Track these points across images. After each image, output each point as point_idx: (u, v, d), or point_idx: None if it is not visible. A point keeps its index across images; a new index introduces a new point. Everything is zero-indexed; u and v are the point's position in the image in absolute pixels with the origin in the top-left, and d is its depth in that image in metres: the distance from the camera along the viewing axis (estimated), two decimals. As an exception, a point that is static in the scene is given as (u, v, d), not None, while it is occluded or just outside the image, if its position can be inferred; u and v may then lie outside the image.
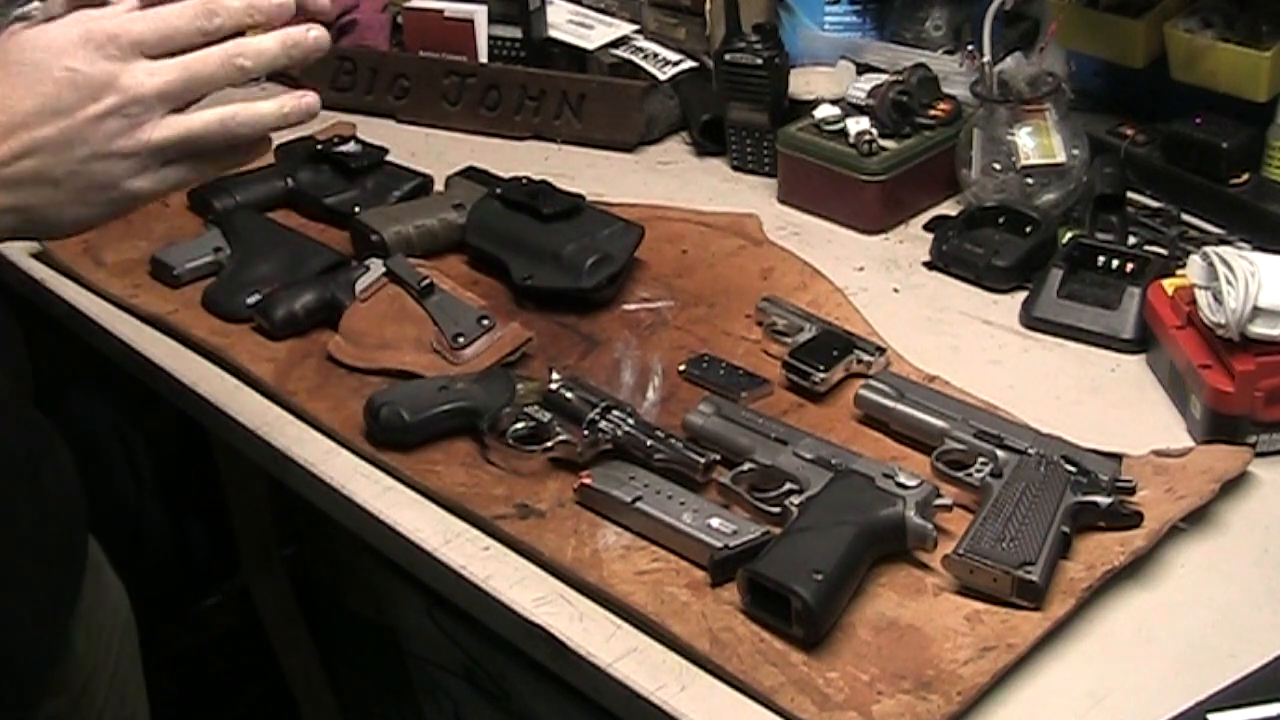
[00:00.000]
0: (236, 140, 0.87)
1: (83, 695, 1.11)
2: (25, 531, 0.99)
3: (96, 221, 0.86)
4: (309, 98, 0.89)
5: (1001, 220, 1.42)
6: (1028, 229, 1.40)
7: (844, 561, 0.97)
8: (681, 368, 1.25)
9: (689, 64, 1.76)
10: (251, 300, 1.34)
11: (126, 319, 1.39)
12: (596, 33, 1.81)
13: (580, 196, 1.45)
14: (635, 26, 1.82)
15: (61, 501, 1.06)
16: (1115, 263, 1.32)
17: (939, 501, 1.03)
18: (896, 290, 1.39)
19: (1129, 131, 1.52)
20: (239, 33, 0.86)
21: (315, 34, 0.88)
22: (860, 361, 1.23)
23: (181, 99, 0.84)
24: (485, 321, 1.28)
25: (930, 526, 1.00)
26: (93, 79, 0.81)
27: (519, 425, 1.15)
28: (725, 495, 1.08)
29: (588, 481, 1.09)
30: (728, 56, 1.60)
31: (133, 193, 0.84)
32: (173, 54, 0.84)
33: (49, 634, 1.05)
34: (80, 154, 0.81)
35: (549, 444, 1.13)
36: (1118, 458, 1.08)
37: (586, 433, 1.12)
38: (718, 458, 1.10)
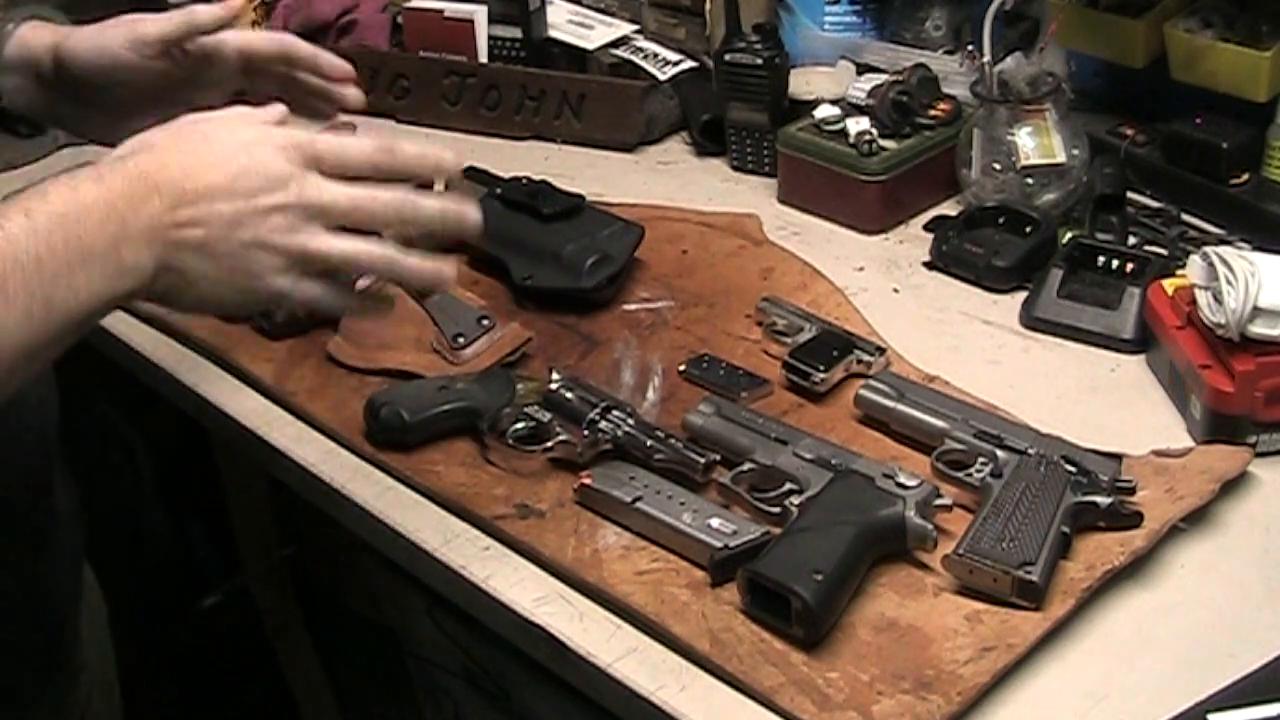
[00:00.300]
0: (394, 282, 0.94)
1: (67, 695, 1.12)
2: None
3: (228, 307, 0.90)
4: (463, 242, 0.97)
5: (1001, 220, 1.42)
6: (1028, 229, 1.40)
7: (844, 561, 0.97)
8: (681, 368, 1.25)
9: (689, 64, 1.76)
10: (251, 300, 1.34)
11: (126, 319, 1.38)
12: (596, 33, 1.81)
13: (580, 196, 1.45)
14: (635, 26, 1.82)
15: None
16: (1115, 263, 1.32)
17: (939, 501, 1.03)
18: (896, 290, 1.39)
19: (1129, 131, 1.52)
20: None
21: (474, 219, 0.93)
22: (860, 361, 1.23)
23: (343, 220, 0.88)
24: (485, 321, 1.28)
25: (930, 526, 1.00)
26: (273, 172, 0.85)
27: (519, 425, 1.15)
28: (725, 495, 1.08)
29: (588, 481, 1.09)
30: (728, 56, 1.60)
31: (272, 289, 0.87)
32: (344, 178, 0.88)
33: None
34: (243, 237, 0.85)
35: (549, 444, 1.13)
36: (1118, 458, 1.08)
37: (586, 433, 1.12)
38: (718, 458, 1.10)
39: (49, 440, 1.04)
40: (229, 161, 0.84)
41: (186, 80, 1.10)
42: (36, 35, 1.09)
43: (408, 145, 0.91)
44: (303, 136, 0.88)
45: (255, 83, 1.12)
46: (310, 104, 1.11)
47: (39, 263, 0.77)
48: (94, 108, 1.11)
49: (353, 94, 1.11)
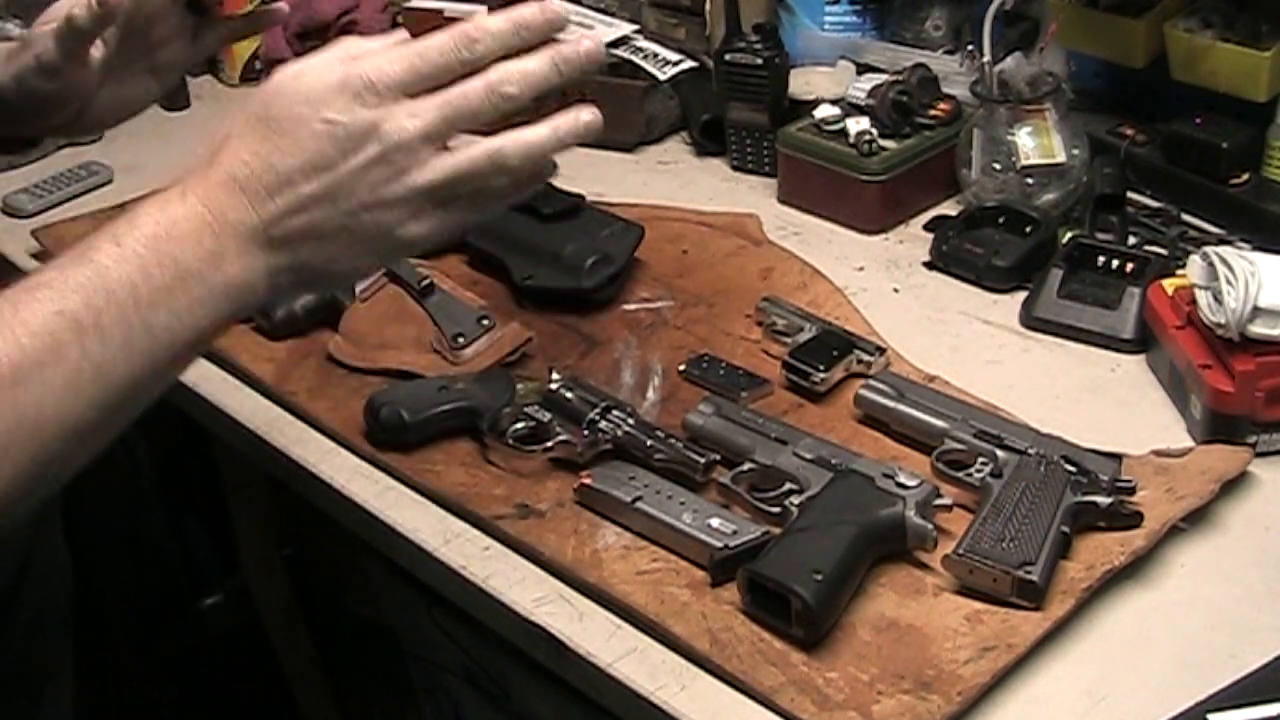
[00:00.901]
0: (510, 172, 0.82)
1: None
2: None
3: (376, 269, 0.83)
4: (587, 115, 0.83)
5: (1001, 220, 1.42)
6: (1028, 229, 1.40)
7: (844, 561, 0.97)
8: (681, 368, 1.25)
9: (689, 64, 1.76)
10: (251, 300, 1.34)
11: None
12: (596, 33, 1.81)
13: (580, 196, 1.45)
14: (635, 26, 1.82)
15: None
16: (1115, 263, 1.32)
17: (939, 501, 1.03)
18: (896, 290, 1.39)
19: (1129, 131, 1.51)
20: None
21: (588, 46, 0.82)
22: (860, 361, 1.23)
23: (447, 137, 0.80)
24: (485, 321, 1.28)
25: (930, 526, 1.00)
26: (352, 130, 0.77)
27: (519, 425, 1.15)
28: (725, 495, 1.08)
29: (588, 481, 1.09)
30: (728, 56, 1.60)
31: (408, 240, 0.81)
32: (435, 89, 0.80)
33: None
34: (348, 206, 0.78)
35: (549, 444, 1.13)
36: (1118, 458, 1.08)
37: (586, 433, 1.12)
38: (718, 458, 1.10)
39: None
40: (302, 136, 0.77)
41: (130, 55, 1.05)
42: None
43: (489, 22, 0.81)
44: (374, 68, 0.79)
45: None
46: None
47: (134, 290, 0.73)
48: (72, 127, 1.08)
49: None
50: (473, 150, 0.80)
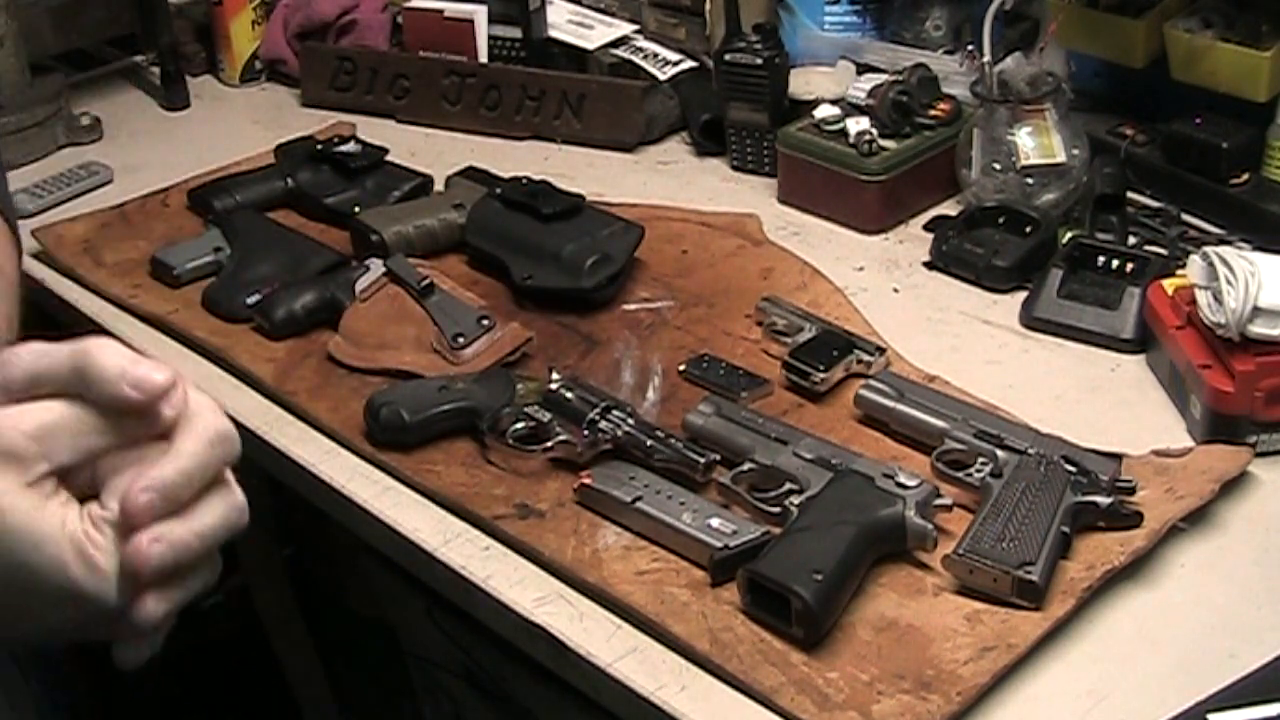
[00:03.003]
0: None
1: None
2: None
3: None
4: None
5: (1001, 220, 1.42)
6: (1028, 229, 1.40)
7: (844, 561, 0.97)
8: (681, 368, 1.25)
9: (689, 64, 1.76)
10: (251, 300, 1.34)
11: (126, 319, 1.39)
12: (596, 33, 1.81)
13: (580, 196, 1.45)
14: (635, 26, 1.82)
15: None
16: (1115, 263, 1.32)
17: (939, 501, 1.03)
18: (896, 290, 1.39)
19: (1129, 131, 1.52)
20: None
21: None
22: (860, 361, 1.23)
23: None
24: (485, 321, 1.28)
25: (930, 526, 1.00)
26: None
27: (519, 425, 1.15)
28: (725, 495, 1.08)
29: (588, 481, 1.09)
30: (728, 56, 1.60)
31: None
32: None
33: None
34: None
35: (549, 444, 1.13)
36: (1118, 458, 1.08)
37: (586, 433, 1.12)
38: (718, 458, 1.10)
39: None
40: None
41: None
42: None
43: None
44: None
45: None
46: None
47: None
48: None
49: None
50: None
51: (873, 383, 1.18)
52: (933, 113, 1.51)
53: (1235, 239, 1.38)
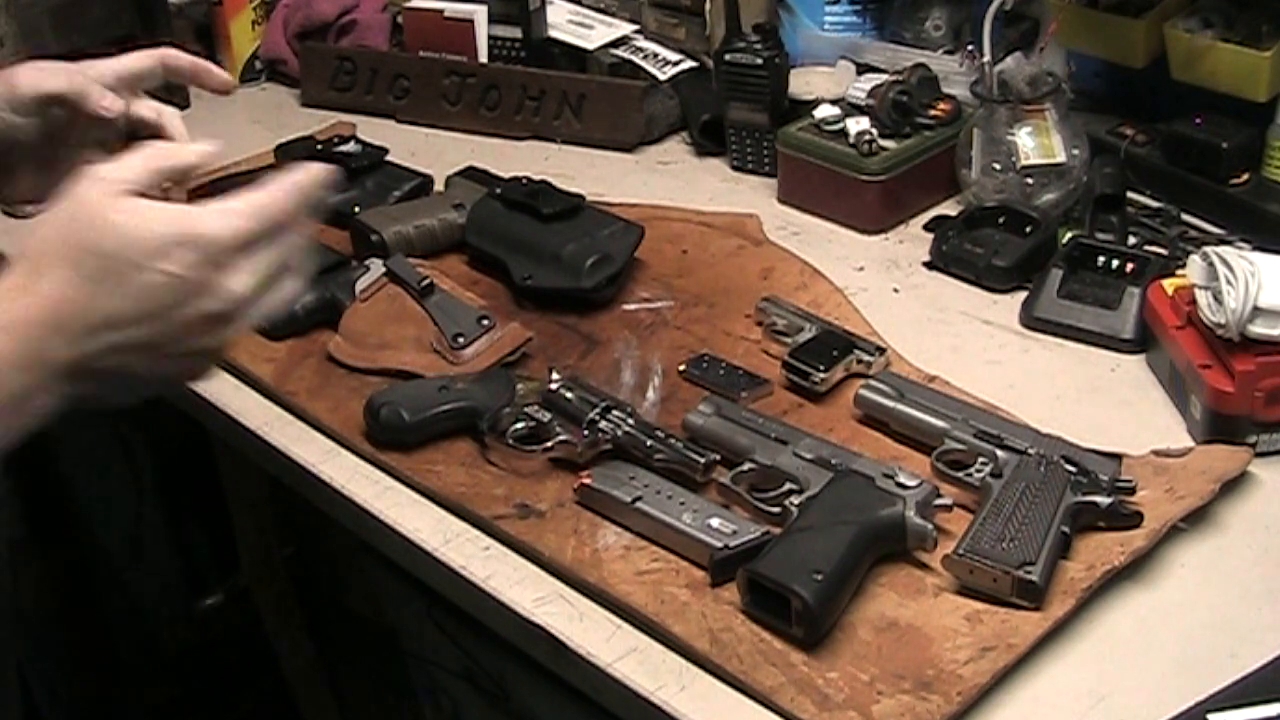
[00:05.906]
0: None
1: None
2: None
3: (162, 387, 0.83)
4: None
5: (1001, 220, 1.42)
6: (1028, 229, 1.40)
7: (844, 561, 0.97)
8: (681, 368, 1.25)
9: (689, 64, 1.76)
10: (251, 300, 1.34)
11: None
12: (596, 33, 1.81)
13: (580, 196, 1.45)
14: (635, 26, 1.82)
15: None
16: (1115, 263, 1.32)
17: (939, 501, 1.03)
18: (896, 290, 1.39)
19: (1129, 131, 1.52)
20: None
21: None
22: (860, 361, 1.23)
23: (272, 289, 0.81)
24: (485, 321, 1.28)
25: (930, 526, 1.00)
26: (191, 285, 0.76)
27: (519, 425, 1.15)
28: (725, 495, 1.08)
29: (588, 481, 1.09)
30: (728, 56, 1.60)
31: (200, 374, 0.83)
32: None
33: None
34: (167, 351, 0.78)
35: (549, 444, 1.13)
36: (1118, 458, 1.08)
37: (586, 433, 1.12)
38: (718, 458, 1.10)
39: None
40: (138, 281, 0.76)
41: (66, 138, 1.02)
42: None
43: (322, 171, 0.82)
44: (217, 227, 0.77)
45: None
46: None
47: None
48: None
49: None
50: (271, 259, 0.81)
51: (873, 383, 1.18)
52: (933, 113, 1.51)
53: (1235, 239, 1.38)
